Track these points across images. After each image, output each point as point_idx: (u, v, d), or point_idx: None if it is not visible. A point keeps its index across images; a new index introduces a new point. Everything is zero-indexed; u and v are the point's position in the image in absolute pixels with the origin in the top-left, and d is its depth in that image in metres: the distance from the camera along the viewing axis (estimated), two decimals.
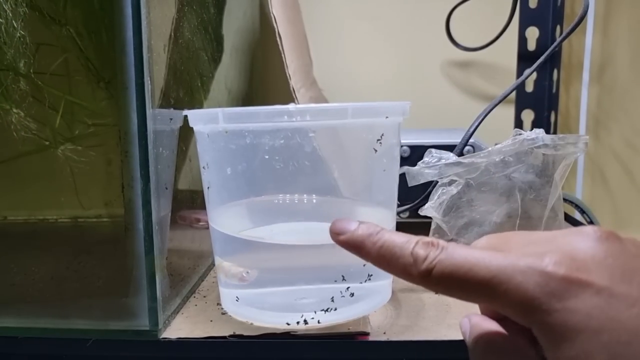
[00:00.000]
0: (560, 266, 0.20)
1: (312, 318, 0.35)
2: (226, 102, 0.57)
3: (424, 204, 0.43)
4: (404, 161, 0.52)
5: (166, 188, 0.38)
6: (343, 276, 0.35)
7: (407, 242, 0.23)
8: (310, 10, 0.78)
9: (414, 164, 0.42)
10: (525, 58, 0.74)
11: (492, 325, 0.25)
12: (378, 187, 0.38)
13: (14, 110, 0.40)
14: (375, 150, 0.36)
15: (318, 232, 0.37)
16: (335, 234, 0.25)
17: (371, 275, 0.36)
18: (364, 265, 0.35)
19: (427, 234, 0.46)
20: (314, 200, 0.36)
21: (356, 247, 0.24)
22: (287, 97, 0.56)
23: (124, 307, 0.36)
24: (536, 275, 0.20)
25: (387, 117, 0.36)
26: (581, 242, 0.21)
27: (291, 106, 0.33)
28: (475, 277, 0.21)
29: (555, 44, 0.50)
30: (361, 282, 0.35)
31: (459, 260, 0.21)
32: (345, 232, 0.25)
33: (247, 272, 0.36)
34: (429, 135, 0.57)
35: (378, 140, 0.35)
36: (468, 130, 0.47)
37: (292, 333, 0.35)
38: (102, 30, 0.41)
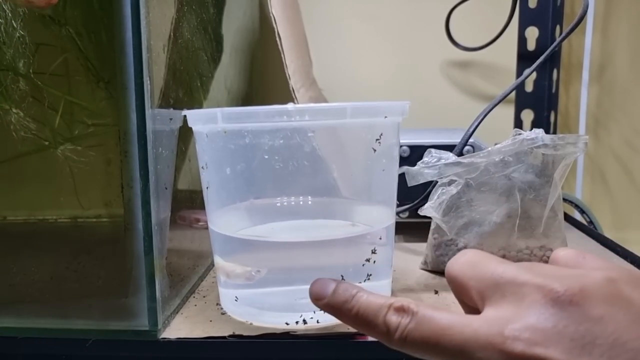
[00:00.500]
0: (517, 343, 0.20)
1: (311, 318, 0.35)
2: (226, 102, 0.57)
3: (424, 204, 0.43)
4: (404, 161, 0.53)
5: (166, 188, 0.38)
6: (342, 276, 0.35)
7: (380, 309, 0.24)
8: (310, 10, 0.78)
9: (414, 164, 0.42)
10: (524, 58, 0.74)
11: None
12: (377, 187, 0.38)
13: (14, 110, 0.40)
14: (375, 150, 0.36)
15: (316, 230, 0.38)
16: (314, 299, 0.26)
17: (370, 275, 0.36)
18: (363, 265, 0.36)
19: (427, 234, 0.46)
20: (313, 201, 0.36)
21: (335, 313, 0.25)
22: (287, 96, 0.56)
23: (124, 307, 0.36)
24: (495, 352, 0.21)
25: (386, 117, 0.36)
26: (543, 309, 0.21)
27: (290, 106, 0.33)
28: (444, 349, 0.22)
29: (555, 43, 0.50)
30: (360, 282, 0.35)
31: (427, 332, 0.22)
32: (323, 297, 0.25)
33: (258, 271, 0.36)
34: (429, 135, 0.57)
35: (377, 140, 0.35)
36: (468, 130, 0.47)
37: (291, 333, 0.35)
38: (101, 30, 0.41)
